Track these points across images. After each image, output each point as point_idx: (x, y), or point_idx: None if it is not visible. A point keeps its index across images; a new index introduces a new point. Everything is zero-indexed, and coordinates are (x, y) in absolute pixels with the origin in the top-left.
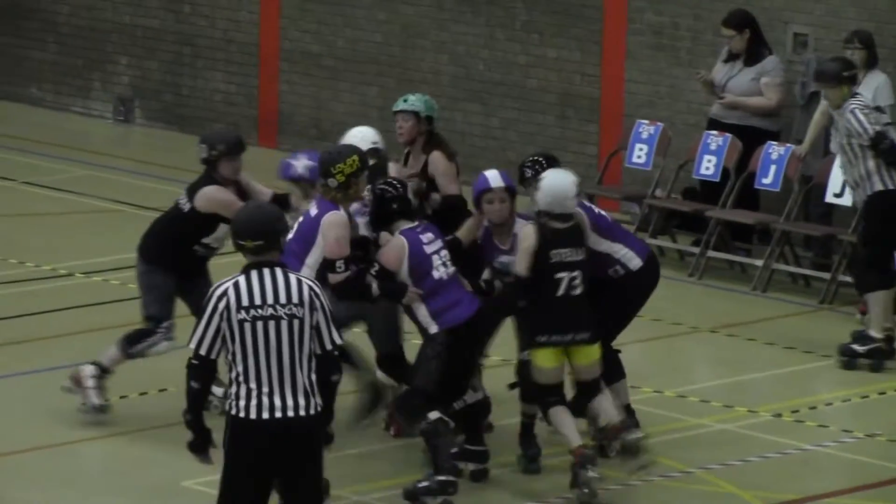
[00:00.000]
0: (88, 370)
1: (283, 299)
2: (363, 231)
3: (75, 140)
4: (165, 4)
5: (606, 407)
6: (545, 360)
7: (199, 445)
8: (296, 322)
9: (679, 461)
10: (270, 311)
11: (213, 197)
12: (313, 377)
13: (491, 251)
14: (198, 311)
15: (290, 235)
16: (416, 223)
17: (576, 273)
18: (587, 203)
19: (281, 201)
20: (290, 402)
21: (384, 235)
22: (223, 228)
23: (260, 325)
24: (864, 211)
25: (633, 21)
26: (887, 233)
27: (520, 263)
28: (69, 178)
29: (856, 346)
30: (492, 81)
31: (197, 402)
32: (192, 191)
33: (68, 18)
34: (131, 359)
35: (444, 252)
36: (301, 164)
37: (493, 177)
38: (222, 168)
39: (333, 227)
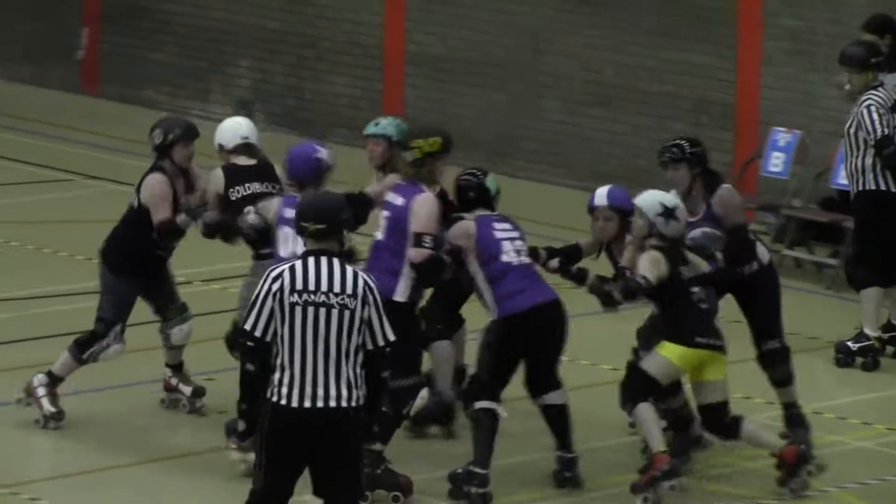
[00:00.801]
0: (38, 379)
1: (336, 288)
2: None
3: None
4: (287, 6)
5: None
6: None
7: (247, 435)
8: (346, 312)
9: (815, 479)
10: (323, 297)
11: (152, 186)
12: (359, 370)
13: None
14: (160, 311)
15: (380, 234)
16: (495, 212)
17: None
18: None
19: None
20: (332, 391)
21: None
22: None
23: (311, 310)
24: (855, 207)
25: (769, 25)
26: (878, 231)
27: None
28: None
29: (850, 343)
30: (621, 87)
31: (253, 387)
32: (139, 184)
33: (188, 20)
34: (84, 364)
35: (521, 243)
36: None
37: (600, 194)
38: (176, 154)
39: (425, 205)
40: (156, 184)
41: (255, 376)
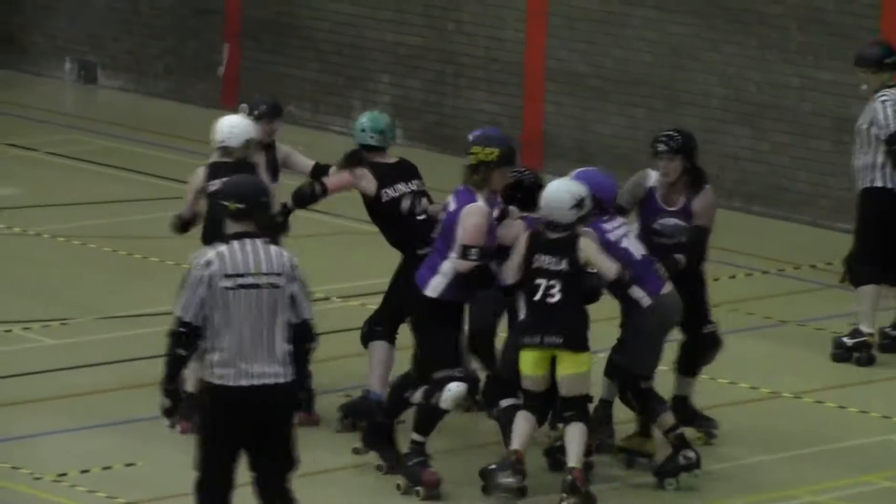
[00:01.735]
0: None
1: (265, 268)
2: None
3: (334, 160)
4: (428, 22)
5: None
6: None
7: (173, 411)
8: (276, 291)
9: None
10: (253, 279)
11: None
12: (288, 346)
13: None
14: None
15: (436, 234)
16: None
17: (553, 282)
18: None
19: (321, 171)
20: (267, 369)
21: (513, 212)
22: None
23: (243, 293)
24: (860, 203)
25: None
26: (879, 229)
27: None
28: (327, 199)
29: (846, 339)
30: (763, 104)
31: (178, 369)
32: None
33: (329, 35)
34: None
35: None
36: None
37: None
38: (263, 128)
39: (472, 216)
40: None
41: (182, 358)
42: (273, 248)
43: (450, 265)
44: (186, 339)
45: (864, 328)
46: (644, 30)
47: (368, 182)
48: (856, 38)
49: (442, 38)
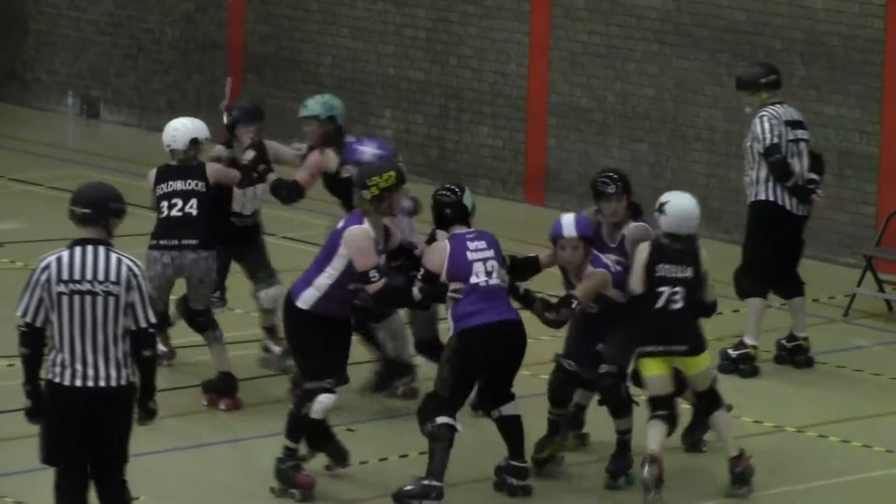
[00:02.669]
0: None
1: (101, 276)
2: (409, 237)
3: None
4: (431, 56)
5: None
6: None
7: (36, 413)
8: (111, 299)
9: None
10: (88, 286)
11: (210, 165)
12: (127, 350)
13: (600, 246)
14: (251, 276)
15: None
16: (470, 229)
17: (677, 289)
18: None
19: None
20: (101, 372)
21: (440, 234)
22: (240, 193)
23: (77, 298)
24: (748, 217)
25: None
26: (766, 242)
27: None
28: (324, 233)
29: (731, 351)
30: None
31: (30, 367)
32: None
33: (331, 70)
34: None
35: (492, 262)
36: (369, 151)
37: (567, 224)
38: (239, 133)
39: (354, 241)
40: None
41: (30, 357)
42: (115, 255)
43: (324, 280)
44: (28, 338)
45: (748, 340)
46: (647, 64)
47: (332, 160)
48: (859, 72)
49: (445, 73)
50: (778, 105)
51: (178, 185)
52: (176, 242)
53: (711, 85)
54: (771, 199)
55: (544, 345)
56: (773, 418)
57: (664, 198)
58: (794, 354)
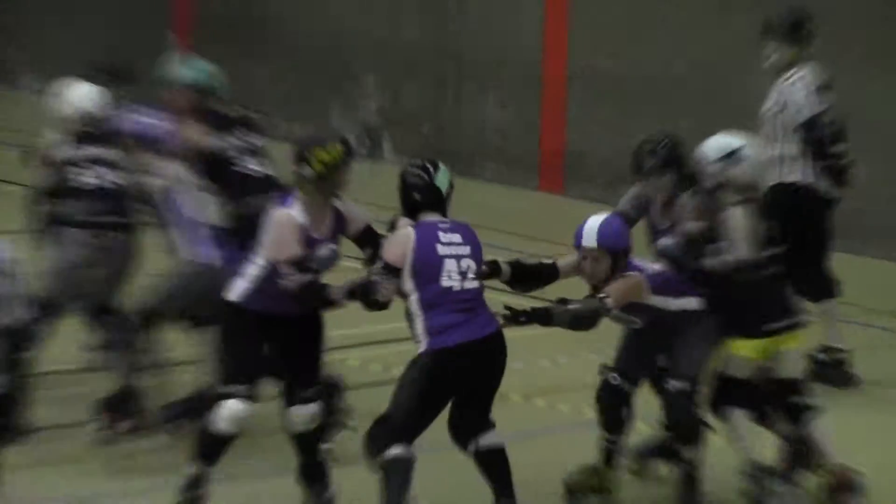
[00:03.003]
0: None
1: None
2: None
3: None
4: (427, 14)
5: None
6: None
7: None
8: None
9: None
10: None
11: None
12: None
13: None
14: None
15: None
16: (444, 219)
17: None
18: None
19: None
20: None
21: (404, 222)
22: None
23: None
24: (772, 203)
25: None
26: (804, 233)
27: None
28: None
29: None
30: None
31: None
32: None
33: (299, 26)
34: None
35: (470, 262)
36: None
37: (589, 231)
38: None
39: (274, 228)
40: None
41: None
42: None
43: (253, 271)
44: None
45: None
46: (688, 27)
47: (204, 138)
48: None
49: (443, 34)
50: (805, 66)
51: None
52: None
53: (748, 56)
54: (804, 180)
55: (561, 369)
56: (843, 457)
57: (728, 142)
58: (832, 369)
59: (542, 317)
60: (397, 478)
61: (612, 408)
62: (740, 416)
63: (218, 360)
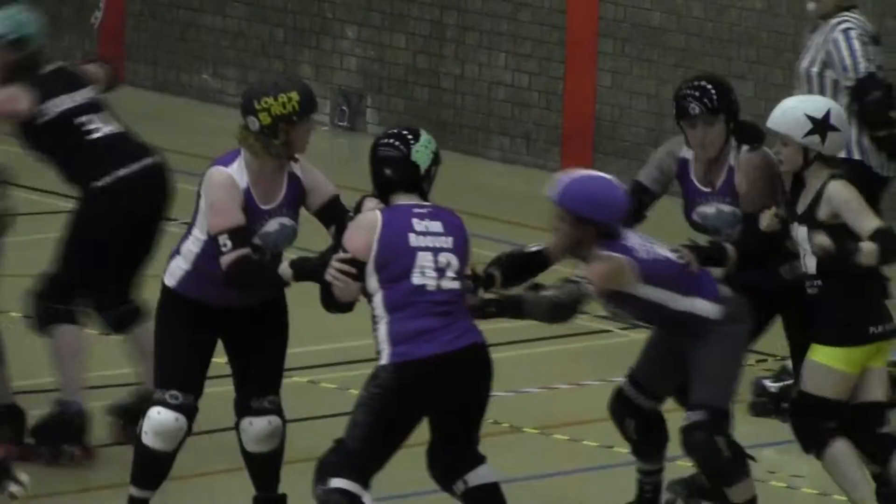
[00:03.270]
0: None
1: None
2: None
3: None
4: None
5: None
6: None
7: None
8: None
9: None
10: None
11: None
12: None
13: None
14: None
15: None
16: (423, 203)
17: None
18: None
19: None
20: None
21: (370, 202)
22: None
23: None
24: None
25: None
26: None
27: (867, 222)
28: None
29: (769, 383)
30: None
31: None
32: None
33: None
34: None
35: (450, 258)
36: None
37: (559, 183)
38: None
39: (209, 191)
40: None
41: None
42: None
43: (190, 247)
44: None
45: None
46: None
47: (22, 100)
48: None
49: None
50: (855, 12)
51: None
52: None
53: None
54: (856, 156)
55: (585, 396)
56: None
57: (819, 104)
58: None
59: (513, 306)
60: None
61: (621, 422)
62: (843, 450)
63: (155, 360)
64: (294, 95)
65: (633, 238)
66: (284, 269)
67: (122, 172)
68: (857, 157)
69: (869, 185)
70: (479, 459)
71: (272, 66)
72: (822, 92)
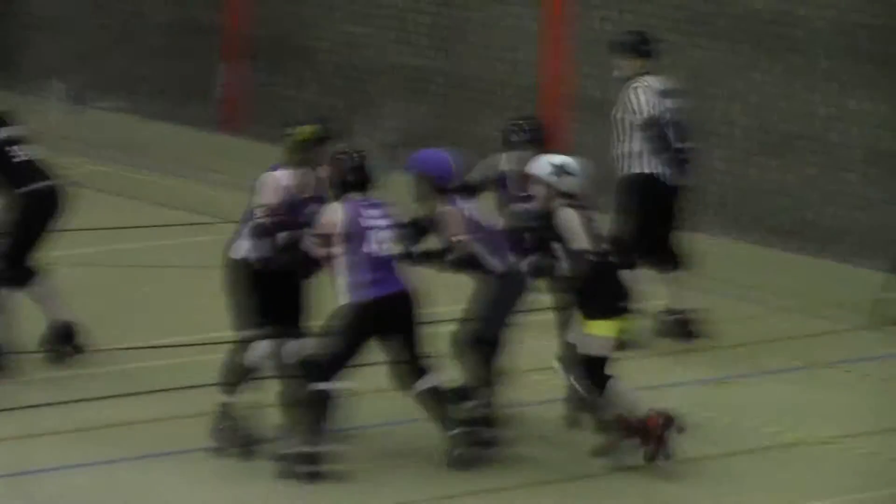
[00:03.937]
0: None
1: None
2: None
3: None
4: (436, 43)
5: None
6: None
7: None
8: None
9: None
10: None
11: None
12: None
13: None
14: None
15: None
16: (367, 198)
17: None
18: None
19: None
20: None
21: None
22: None
23: None
24: (621, 191)
25: None
26: (644, 216)
27: (580, 239)
28: None
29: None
30: (789, 135)
31: None
32: None
33: (330, 56)
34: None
35: (388, 234)
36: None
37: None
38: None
39: (265, 182)
40: None
41: None
42: None
43: (247, 228)
44: None
45: (677, 306)
46: (664, 54)
47: None
48: (887, 65)
49: (451, 61)
50: (648, 76)
51: None
52: None
53: (731, 77)
54: (646, 171)
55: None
56: (794, 429)
57: (557, 160)
58: (678, 327)
59: (434, 257)
60: (320, 408)
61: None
62: (618, 383)
63: (235, 312)
64: (313, 129)
65: (465, 202)
66: (281, 237)
67: (36, 186)
68: (653, 171)
69: (664, 191)
70: (425, 370)
71: (335, 126)
72: (623, 132)
